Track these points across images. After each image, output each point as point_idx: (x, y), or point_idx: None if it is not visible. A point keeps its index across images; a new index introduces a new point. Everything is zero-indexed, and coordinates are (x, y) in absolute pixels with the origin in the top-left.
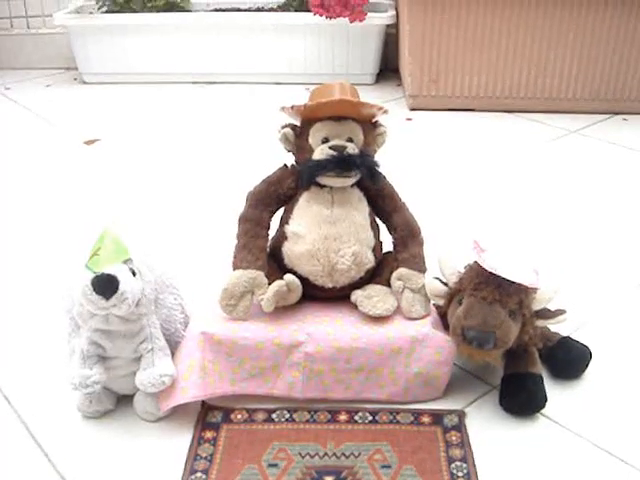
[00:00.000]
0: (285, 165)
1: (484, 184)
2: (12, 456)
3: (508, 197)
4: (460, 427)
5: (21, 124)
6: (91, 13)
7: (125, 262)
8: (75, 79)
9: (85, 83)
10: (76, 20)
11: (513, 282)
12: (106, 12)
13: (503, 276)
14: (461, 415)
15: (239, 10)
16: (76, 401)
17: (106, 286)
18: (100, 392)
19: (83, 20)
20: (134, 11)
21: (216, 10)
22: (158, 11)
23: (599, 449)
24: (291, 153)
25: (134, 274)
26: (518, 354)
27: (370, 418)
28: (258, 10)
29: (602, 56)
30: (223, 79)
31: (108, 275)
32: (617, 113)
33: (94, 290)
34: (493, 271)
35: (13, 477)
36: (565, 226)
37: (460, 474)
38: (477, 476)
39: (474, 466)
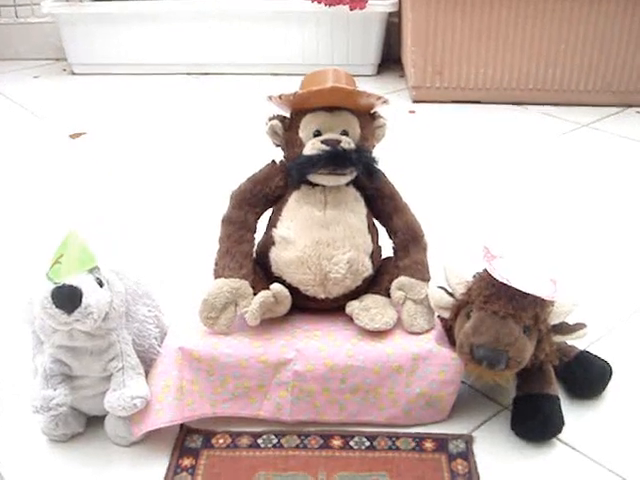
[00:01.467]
0: (273, 161)
1: (492, 182)
2: None
3: (518, 196)
4: (467, 454)
5: (5, 116)
6: (80, 1)
7: (91, 271)
8: (64, 70)
9: (74, 74)
10: (65, 8)
11: (528, 294)
12: (96, 0)
13: (517, 287)
14: (468, 440)
15: None
16: (41, 423)
17: (67, 299)
18: (67, 413)
19: (72, 8)
20: None
21: None
22: None
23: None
24: (280, 148)
25: (101, 284)
26: (532, 373)
27: (367, 444)
28: None
29: (614, 47)
30: (217, 70)
31: (70, 286)
32: (629, 106)
33: (54, 303)
34: (505, 282)
35: None
36: (579, 227)
37: None
38: None
39: None
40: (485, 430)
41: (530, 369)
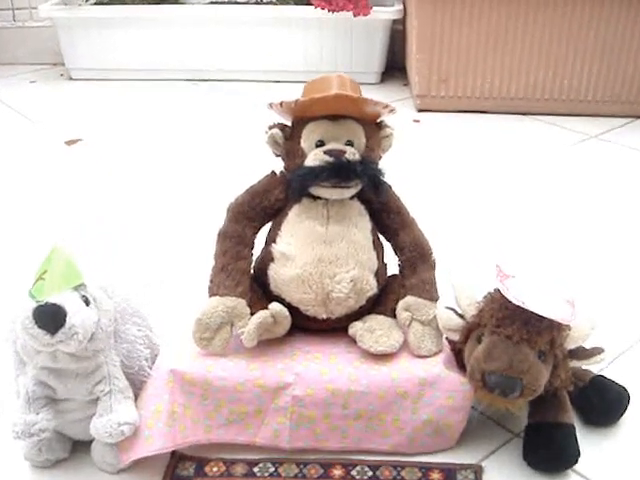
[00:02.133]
0: (273, 172)
1: (500, 195)
2: None
3: (527, 210)
4: None
5: (0, 122)
6: (79, 5)
7: (77, 288)
8: (62, 75)
9: (72, 79)
10: (63, 12)
11: (544, 317)
12: (95, 4)
13: (532, 310)
14: (477, 471)
15: (236, 3)
16: (23, 449)
17: (50, 318)
18: (51, 438)
19: (70, 12)
20: (125, 3)
21: (212, 3)
22: (150, 3)
23: None
24: (280, 158)
25: (88, 302)
26: (546, 399)
27: (370, 474)
28: (256, 3)
29: (624, 56)
30: (218, 76)
31: (53, 305)
32: (638, 117)
33: (36, 323)
34: (520, 304)
35: None
36: (589, 242)
37: None
38: None
39: None
40: (495, 459)
41: (544, 396)
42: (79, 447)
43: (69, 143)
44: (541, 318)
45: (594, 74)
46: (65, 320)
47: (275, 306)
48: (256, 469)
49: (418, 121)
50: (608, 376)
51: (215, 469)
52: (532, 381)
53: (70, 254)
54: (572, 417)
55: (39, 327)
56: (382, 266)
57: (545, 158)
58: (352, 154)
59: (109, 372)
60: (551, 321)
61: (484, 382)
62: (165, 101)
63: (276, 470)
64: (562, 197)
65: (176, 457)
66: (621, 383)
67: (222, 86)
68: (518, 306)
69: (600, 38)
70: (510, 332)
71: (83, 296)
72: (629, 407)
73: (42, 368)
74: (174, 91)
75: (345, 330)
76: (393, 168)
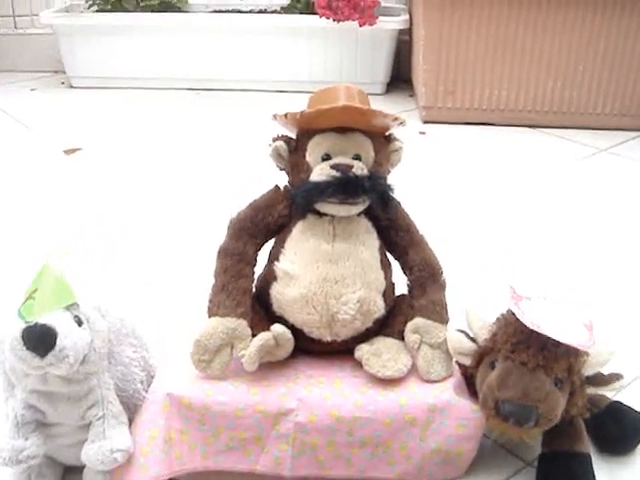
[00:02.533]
0: (277, 187)
1: (510, 210)
2: None
3: (539, 225)
4: None
5: None
6: (81, 12)
7: (69, 308)
8: (62, 83)
9: (73, 87)
10: (64, 19)
11: (561, 342)
12: (97, 11)
13: (549, 335)
14: None
15: (240, 12)
16: (11, 475)
17: (40, 340)
18: (41, 464)
19: (72, 19)
20: (127, 11)
21: (215, 11)
22: (152, 11)
23: None
24: (285, 172)
25: (80, 323)
26: (561, 428)
27: None
28: (260, 12)
29: (634, 69)
30: (221, 86)
31: (43, 326)
32: None
33: (25, 345)
34: (536, 328)
35: None
36: (604, 258)
37: None
38: None
39: None
40: None
41: (559, 424)
42: (70, 472)
43: (68, 152)
44: (558, 343)
45: (603, 87)
46: (56, 342)
47: (277, 328)
48: None
49: (424, 133)
50: (624, 402)
51: None
52: (548, 410)
53: (62, 272)
54: (588, 446)
55: (28, 349)
56: (390, 286)
57: (555, 172)
58: (360, 169)
59: (102, 396)
60: (568, 347)
61: (497, 411)
62: (167, 110)
63: None
64: (574, 212)
65: None
66: (638, 409)
67: (225, 96)
68: (533, 330)
69: (610, 50)
70: (525, 358)
71: (75, 316)
72: None
73: (32, 391)
74: (176, 100)
75: (351, 353)
76: (399, 181)
